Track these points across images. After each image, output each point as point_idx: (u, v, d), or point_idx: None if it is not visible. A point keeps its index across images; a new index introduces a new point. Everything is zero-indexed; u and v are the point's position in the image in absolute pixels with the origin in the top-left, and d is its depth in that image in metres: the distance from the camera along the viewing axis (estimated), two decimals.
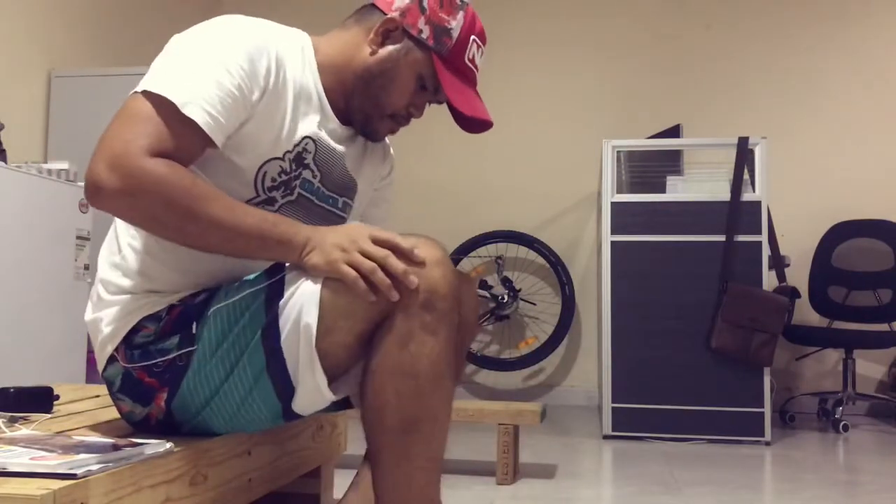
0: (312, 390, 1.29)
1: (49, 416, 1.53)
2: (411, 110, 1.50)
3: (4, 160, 2.96)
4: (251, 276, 1.34)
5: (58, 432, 1.35)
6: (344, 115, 1.48)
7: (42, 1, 3.74)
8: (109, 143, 1.23)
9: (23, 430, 1.35)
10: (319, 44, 1.47)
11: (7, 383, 1.55)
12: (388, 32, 1.44)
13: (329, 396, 1.30)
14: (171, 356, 1.32)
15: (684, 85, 4.87)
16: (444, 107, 1.55)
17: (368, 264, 1.24)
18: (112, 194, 1.22)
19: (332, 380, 1.30)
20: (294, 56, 1.41)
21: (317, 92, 1.44)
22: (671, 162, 4.04)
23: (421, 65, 1.45)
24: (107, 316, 1.38)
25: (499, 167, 5.01)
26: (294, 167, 1.40)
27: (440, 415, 1.29)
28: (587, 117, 4.94)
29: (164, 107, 1.25)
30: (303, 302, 1.26)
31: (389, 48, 1.44)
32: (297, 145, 1.40)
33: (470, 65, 1.48)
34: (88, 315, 1.44)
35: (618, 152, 3.77)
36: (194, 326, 1.31)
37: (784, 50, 4.81)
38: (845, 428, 3.88)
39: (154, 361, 1.33)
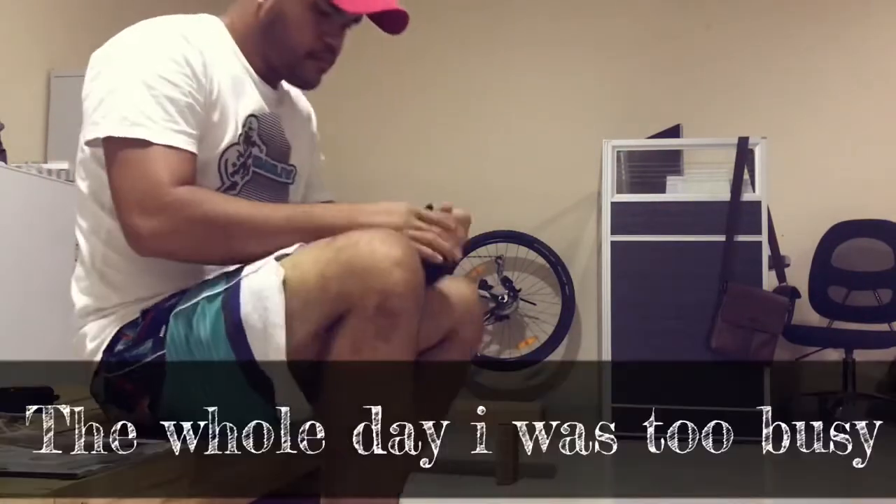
0: (291, 398, 1.29)
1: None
2: (328, 41, 1.47)
3: (4, 160, 2.96)
4: (210, 278, 1.34)
5: (58, 432, 1.35)
6: (271, 79, 1.51)
7: (42, 1, 3.74)
8: (129, 195, 1.27)
9: (23, 430, 1.35)
10: (227, 22, 1.48)
11: (7, 383, 1.55)
12: None
13: (305, 407, 1.30)
14: (144, 361, 1.32)
15: (684, 85, 4.87)
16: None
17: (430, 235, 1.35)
18: (156, 236, 1.26)
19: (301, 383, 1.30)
20: (215, 44, 1.42)
21: (245, 69, 1.46)
22: (671, 162, 4.03)
23: None
24: (89, 332, 1.39)
25: (499, 167, 5.01)
26: (245, 147, 1.44)
27: (394, 416, 1.27)
28: (587, 117, 4.93)
29: (141, 146, 1.27)
30: (265, 306, 1.25)
31: None
32: (244, 126, 1.43)
33: None
34: (74, 336, 1.45)
35: (618, 152, 3.77)
36: (163, 330, 1.31)
37: (784, 50, 4.80)
38: (845, 428, 3.88)
39: (131, 368, 1.33)
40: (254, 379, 1.27)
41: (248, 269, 1.29)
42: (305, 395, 1.30)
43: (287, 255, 1.28)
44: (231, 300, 1.27)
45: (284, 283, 1.24)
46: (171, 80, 1.31)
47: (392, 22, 1.49)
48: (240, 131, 1.42)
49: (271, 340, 1.25)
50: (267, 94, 1.50)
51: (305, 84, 1.53)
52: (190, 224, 1.27)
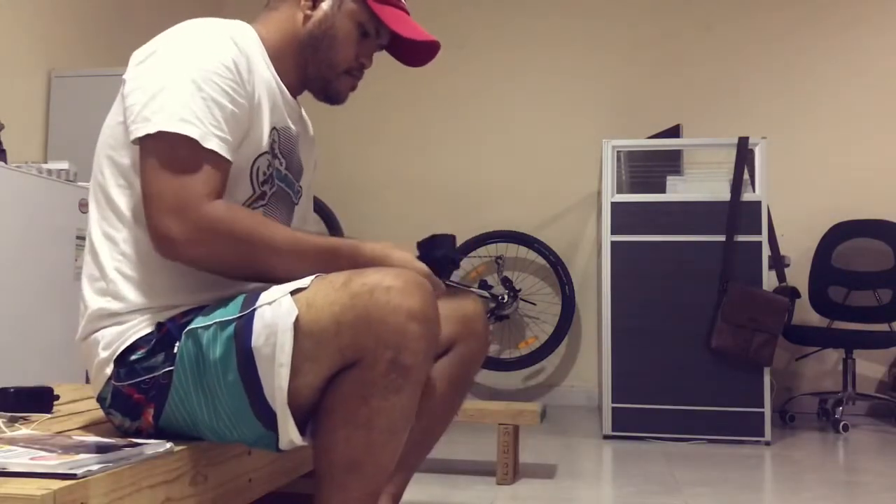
0: (286, 431, 1.30)
1: (49, 416, 1.53)
2: (362, 61, 1.52)
3: (4, 160, 2.96)
4: (228, 301, 1.33)
5: (58, 432, 1.35)
6: (295, 94, 1.52)
7: (42, 1, 3.74)
8: (166, 196, 1.26)
9: (23, 430, 1.35)
10: (261, 32, 1.48)
11: (7, 383, 1.55)
12: None
13: (297, 441, 1.30)
14: (155, 374, 1.31)
15: (684, 85, 4.87)
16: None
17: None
18: (187, 244, 1.26)
19: (304, 417, 1.30)
20: (253, 52, 1.42)
21: (275, 80, 1.46)
22: (671, 162, 4.04)
23: (357, 12, 1.47)
24: (103, 339, 1.36)
25: (499, 167, 5.01)
26: (272, 158, 1.45)
27: (388, 462, 1.30)
28: (587, 117, 4.94)
29: (189, 145, 1.27)
30: (274, 343, 1.24)
31: (323, 7, 1.47)
32: (270, 136, 1.43)
33: None
34: (80, 337, 1.42)
35: (618, 152, 3.77)
36: (176, 346, 1.31)
37: (784, 50, 4.81)
38: (845, 428, 3.88)
39: (141, 379, 1.32)
40: (259, 407, 1.28)
41: (262, 300, 1.28)
42: (300, 423, 1.31)
43: (302, 288, 1.27)
44: (244, 329, 1.27)
45: (297, 321, 1.24)
46: (220, 86, 1.31)
47: (417, 54, 1.55)
48: (268, 140, 1.42)
49: (276, 378, 1.25)
50: (291, 109, 1.51)
51: (336, 98, 1.54)
52: (224, 239, 1.27)
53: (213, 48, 1.34)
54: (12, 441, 1.17)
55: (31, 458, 1.05)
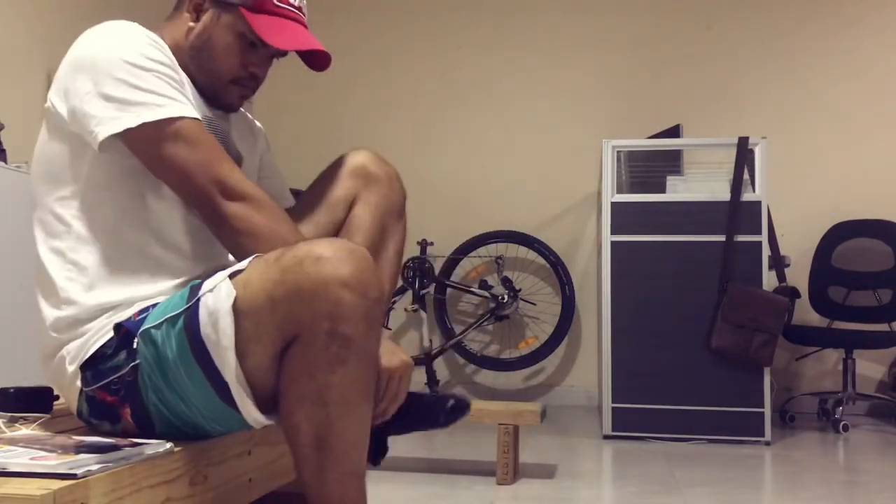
0: (246, 411, 1.29)
1: (49, 416, 1.53)
2: (252, 70, 1.50)
3: (4, 160, 2.96)
4: (174, 298, 1.34)
5: (58, 432, 1.35)
6: (207, 99, 1.53)
7: (42, 1, 3.74)
8: (203, 177, 1.32)
9: (23, 430, 1.36)
10: (165, 39, 1.48)
11: (7, 383, 1.55)
12: (199, 5, 1.48)
13: (261, 420, 1.30)
14: (121, 373, 1.32)
15: (684, 85, 4.87)
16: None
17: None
18: (252, 217, 1.33)
19: (269, 398, 1.30)
20: (168, 54, 1.44)
21: (188, 84, 1.47)
22: (671, 162, 4.03)
23: (236, 24, 1.46)
24: (68, 354, 1.37)
25: (499, 167, 5.01)
26: None
27: (355, 435, 1.28)
28: (587, 117, 4.93)
29: (177, 122, 1.32)
30: (218, 328, 1.24)
31: (203, 19, 1.48)
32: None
33: (283, 5, 1.48)
34: (46, 354, 1.42)
35: (618, 152, 3.77)
36: (135, 342, 1.31)
37: (784, 50, 4.80)
38: (845, 428, 3.88)
39: (109, 380, 1.32)
40: (222, 394, 1.28)
41: (205, 287, 1.29)
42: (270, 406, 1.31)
43: (240, 271, 1.28)
44: (192, 320, 1.27)
45: (236, 303, 1.24)
46: (160, 60, 1.36)
47: (316, 59, 1.53)
48: None
49: (225, 362, 1.25)
50: (205, 112, 1.50)
51: (226, 108, 1.55)
52: (266, 210, 1.34)
53: (135, 36, 1.38)
54: (12, 441, 1.17)
55: (31, 458, 1.05)
